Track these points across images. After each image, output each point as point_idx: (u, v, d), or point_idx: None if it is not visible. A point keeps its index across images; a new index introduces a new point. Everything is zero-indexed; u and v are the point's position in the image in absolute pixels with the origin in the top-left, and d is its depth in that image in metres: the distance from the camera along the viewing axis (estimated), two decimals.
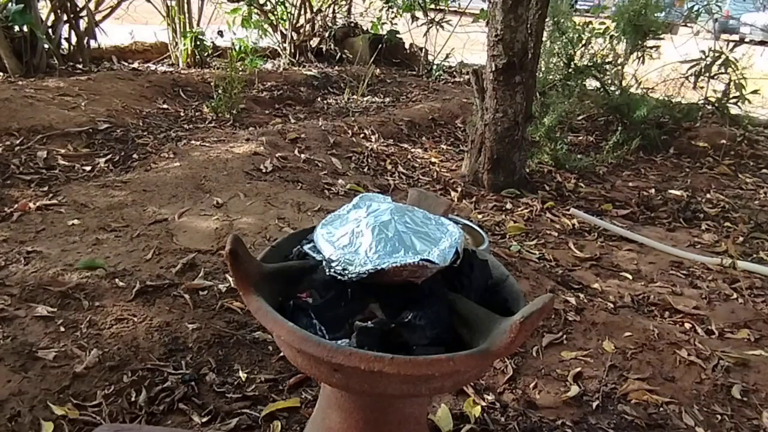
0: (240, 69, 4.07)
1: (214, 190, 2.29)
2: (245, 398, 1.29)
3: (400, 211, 0.76)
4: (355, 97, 4.35)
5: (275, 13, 5.19)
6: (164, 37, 4.75)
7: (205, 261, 1.79)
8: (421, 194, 0.94)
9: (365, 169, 2.88)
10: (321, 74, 4.76)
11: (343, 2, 5.89)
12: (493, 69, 2.63)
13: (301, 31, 5.39)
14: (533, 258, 2.13)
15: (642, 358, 1.57)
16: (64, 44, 4.21)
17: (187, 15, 4.53)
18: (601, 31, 3.81)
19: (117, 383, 1.28)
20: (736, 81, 3.92)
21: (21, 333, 1.39)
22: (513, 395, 1.39)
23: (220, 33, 4.93)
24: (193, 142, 2.82)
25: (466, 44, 5.64)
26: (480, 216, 2.50)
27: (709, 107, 4.10)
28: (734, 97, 3.96)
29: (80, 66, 4.13)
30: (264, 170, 2.55)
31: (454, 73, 5.55)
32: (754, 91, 3.88)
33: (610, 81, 3.92)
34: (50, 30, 3.99)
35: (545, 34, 3.04)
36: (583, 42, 3.64)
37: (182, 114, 3.47)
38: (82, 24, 4.23)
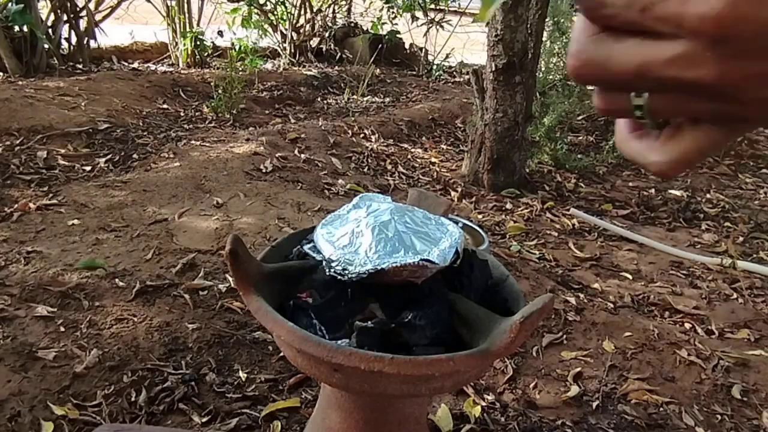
0: (240, 69, 4.07)
1: (214, 190, 2.29)
2: (245, 398, 1.29)
3: (400, 211, 0.76)
4: (355, 97, 4.36)
5: (275, 13, 5.19)
6: (164, 37, 4.76)
7: (205, 261, 1.79)
8: (421, 194, 0.94)
9: (365, 169, 2.88)
10: (321, 74, 4.76)
11: (343, 2, 5.89)
12: (493, 69, 2.63)
13: (301, 31, 5.39)
14: (533, 258, 2.13)
15: (642, 358, 1.57)
16: (64, 44, 4.21)
17: (187, 15, 4.53)
18: None
19: (117, 383, 1.28)
20: None
21: (21, 333, 1.39)
22: (513, 395, 1.39)
23: (220, 33, 4.93)
24: (193, 142, 2.82)
25: (466, 44, 5.64)
26: (480, 216, 2.50)
27: None
28: None
29: (80, 66, 4.13)
30: (264, 170, 2.55)
31: (454, 73, 5.56)
32: None
33: None
34: (50, 30, 3.99)
35: (545, 34, 3.04)
36: None
37: (182, 114, 3.47)
38: (82, 24, 4.23)
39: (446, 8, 5.65)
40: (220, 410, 1.25)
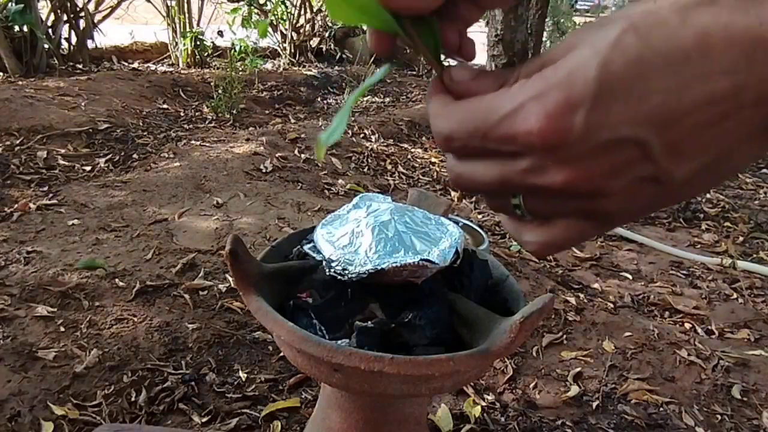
0: (240, 69, 4.08)
1: (214, 190, 2.29)
2: (245, 398, 1.29)
3: (400, 211, 0.76)
4: None
5: (275, 13, 5.19)
6: (164, 37, 4.76)
7: (205, 261, 1.79)
8: (421, 194, 0.94)
9: (365, 169, 2.88)
10: (321, 74, 4.76)
11: None
12: (493, 69, 2.63)
13: (301, 31, 5.39)
14: (533, 258, 2.13)
15: (642, 358, 1.57)
16: (64, 44, 4.21)
17: (187, 15, 4.53)
18: None
19: (117, 383, 1.28)
20: None
21: (21, 333, 1.39)
22: (513, 395, 1.39)
23: (220, 33, 4.93)
24: (193, 142, 2.82)
25: None
26: (480, 216, 2.50)
27: None
28: None
29: (80, 66, 4.13)
30: (264, 170, 2.55)
31: None
32: None
33: None
34: (50, 30, 3.99)
35: (545, 34, 3.04)
36: None
37: (182, 114, 3.47)
38: (82, 24, 4.23)
39: None
40: (220, 410, 1.25)
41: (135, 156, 2.67)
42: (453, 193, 2.71)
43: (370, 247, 0.70)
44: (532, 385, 1.43)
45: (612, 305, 1.85)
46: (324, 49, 5.53)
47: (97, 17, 4.39)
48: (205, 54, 4.68)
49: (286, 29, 5.26)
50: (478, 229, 1.88)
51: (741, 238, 2.55)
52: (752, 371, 1.56)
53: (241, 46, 4.58)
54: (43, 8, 4.02)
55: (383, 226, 0.73)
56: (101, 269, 1.66)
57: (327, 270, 0.71)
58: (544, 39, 2.96)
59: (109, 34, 4.56)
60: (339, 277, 0.70)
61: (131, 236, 1.90)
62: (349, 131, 3.26)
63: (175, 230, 1.97)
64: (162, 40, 4.86)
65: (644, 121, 0.26)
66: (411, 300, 0.72)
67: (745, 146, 0.27)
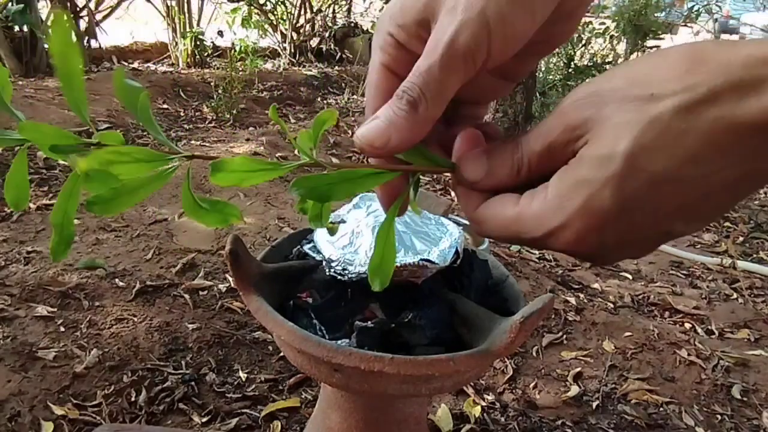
0: (240, 69, 4.08)
1: (214, 190, 2.29)
2: (245, 398, 1.29)
3: None
4: (355, 97, 4.36)
5: (275, 13, 5.19)
6: (164, 37, 4.76)
7: (205, 261, 1.79)
8: (421, 194, 0.94)
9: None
10: (321, 74, 4.76)
11: (343, 2, 5.89)
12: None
13: (301, 31, 5.39)
14: (533, 258, 2.13)
15: (642, 358, 1.57)
16: None
17: (187, 15, 4.53)
18: (601, 31, 3.81)
19: (117, 383, 1.28)
20: None
21: (21, 333, 1.39)
22: (513, 395, 1.39)
23: (220, 33, 4.93)
24: (193, 142, 2.82)
25: None
26: None
27: None
28: None
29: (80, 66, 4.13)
30: None
31: None
32: None
33: None
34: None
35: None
36: (583, 42, 3.64)
37: (182, 114, 3.47)
38: (82, 24, 4.23)
39: None
40: (220, 410, 1.25)
41: None
42: (453, 193, 2.71)
43: (370, 247, 0.70)
44: (532, 385, 1.43)
45: (612, 305, 1.85)
46: (324, 49, 5.53)
47: (98, 17, 4.39)
48: (205, 54, 4.68)
49: (286, 29, 5.26)
50: None
51: (741, 238, 2.55)
52: (752, 371, 1.56)
53: (241, 46, 4.58)
54: (43, 8, 4.01)
55: None
56: (101, 269, 1.67)
57: (327, 270, 0.71)
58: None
59: (109, 34, 4.56)
60: (339, 277, 0.70)
61: (131, 236, 1.90)
62: (349, 131, 3.26)
63: (175, 230, 1.97)
64: (162, 40, 4.86)
65: (664, 218, 0.29)
66: (411, 300, 0.72)
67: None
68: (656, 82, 0.27)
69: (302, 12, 5.36)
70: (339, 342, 0.66)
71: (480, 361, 0.62)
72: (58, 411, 1.18)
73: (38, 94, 3.08)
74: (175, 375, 1.33)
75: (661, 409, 1.39)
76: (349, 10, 6.01)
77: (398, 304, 0.72)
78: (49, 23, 0.30)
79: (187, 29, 4.53)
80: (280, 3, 5.15)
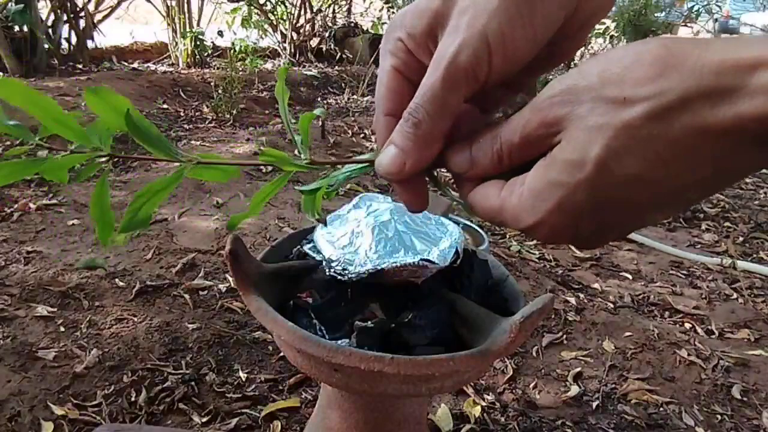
0: (240, 69, 4.08)
1: (214, 190, 2.30)
2: (245, 398, 1.29)
3: (400, 211, 0.76)
4: (355, 97, 4.36)
5: (275, 13, 5.19)
6: (164, 37, 4.76)
7: (205, 261, 1.80)
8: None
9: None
10: (321, 74, 4.76)
11: (343, 2, 5.89)
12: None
13: (301, 31, 5.39)
14: (533, 258, 2.13)
15: (642, 358, 1.57)
16: (64, 44, 4.21)
17: (187, 15, 4.53)
18: (601, 31, 3.81)
19: (117, 383, 1.28)
20: None
21: (21, 333, 1.39)
22: (513, 395, 1.39)
23: (220, 33, 4.93)
24: (193, 142, 2.82)
25: None
26: None
27: None
28: None
29: (80, 66, 4.13)
30: (264, 170, 2.55)
31: None
32: None
33: None
34: (50, 30, 3.99)
35: None
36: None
37: (182, 114, 3.48)
38: (82, 24, 4.23)
39: None
40: (220, 410, 1.25)
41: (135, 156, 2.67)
42: (453, 193, 2.71)
43: (370, 247, 0.70)
44: (532, 385, 1.43)
45: (612, 305, 1.85)
46: (324, 49, 5.53)
47: (97, 17, 4.39)
48: (205, 54, 4.68)
49: (286, 29, 5.26)
50: (478, 229, 1.88)
51: (741, 238, 2.56)
52: (752, 371, 1.56)
53: (241, 46, 4.58)
54: (43, 8, 4.01)
55: (383, 226, 0.73)
56: (101, 269, 1.67)
57: (327, 270, 0.71)
58: None
59: (109, 34, 4.56)
60: (339, 277, 0.70)
61: (131, 236, 1.90)
62: (349, 131, 3.26)
63: (175, 230, 1.97)
64: (162, 40, 4.87)
65: (636, 212, 0.30)
66: (411, 300, 0.72)
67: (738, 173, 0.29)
68: (629, 84, 0.27)
69: (302, 12, 5.36)
70: (339, 342, 0.66)
71: (480, 361, 0.62)
72: (58, 411, 1.18)
73: None
74: (175, 375, 1.33)
75: (661, 409, 1.39)
76: (349, 10, 6.01)
77: (398, 304, 0.72)
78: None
79: (187, 29, 4.53)
80: (280, 3, 5.15)
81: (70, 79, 3.54)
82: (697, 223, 2.73)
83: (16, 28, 3.67)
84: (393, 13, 5.49)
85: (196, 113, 3.52)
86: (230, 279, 1.68)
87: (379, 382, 0.63)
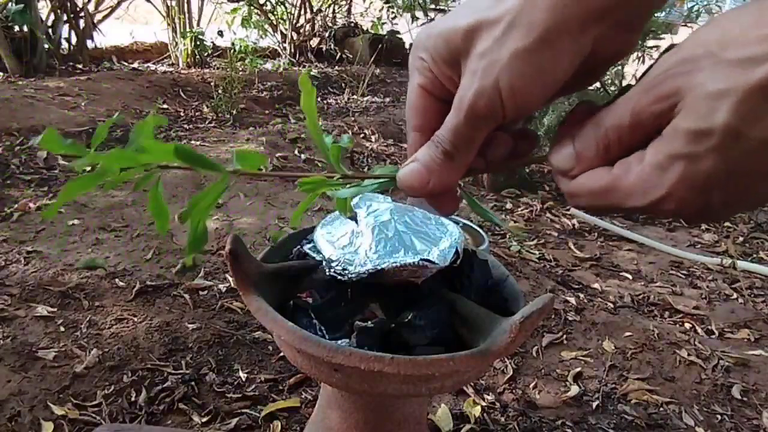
0: (240, 69, 4.08)
1: None
2: (245, 398, 1.29)
3: (400, 211, 0.76)
4: (355, 97, 4.36)
5: (275, 13, 5.19)
6: (164, 37, 4.76)
7: (205, 261, 1.80)
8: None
9: (365, 169, 2.88)
10: (321, 74, 4.76)
11: (343, 2, 5.89)
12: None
13: (301, 31, 5.39)
14: (533, 258, 2.13)
15: (642, 358, 1.57)
16: (64, 44, 4.21)
17: (187, 15, 4.53)
18: None
19: (117, 383, 1.28)
20: None
21: (21, 333, 1.39)
22: (513, 395, 1.39)
23: (220, 33, 4.93)
24: (193, 142, 2.82)
25: None
26: (480, 216, 2.50)
27: None
28: None
29: (80, 66, 4.13)
30: (264, 170, 2.55)
31: None
32: None
33: (609, 81, 3.92)
34: (50, 30, 3.99)
35: None
36: None
37: (182, 114, 3.47)
38: (82, 24, 4.23)
39: (446, 8, 5.65)
40: (220, 410, 1.25)
41: None
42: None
43: (370, 247, 0.70)
44: (532, 385, 1.43)
45: (612, 305, 1.85)
46: (324, 49, 5.53)
47: (97, 17, 4.39)
48: (205, 54, 4.68)
49: (286, 29, 5.26)
50: (478, 229, 1.88)
51: (741, 238, 2.56)
52: (752, 371, 1.56)
53: (241, 46, 4.58)
54: (43, 8, 4.01)
55: (383, 226, 0.73)
56: (101, 269, 1.67)
57: (327, 270, 0.71)
58: None
59: (109, 34, 4.56)
60: (339, 277, 0.70)
61: (131, 236, 1.90)
62: (349, 131, 3.26)
63: (175, 230, 1.97)
64: (162, 40, 4.86)
65: None
66: (411, 300, 0.72)
67: None
68: (752, 43, 0.26)
69: (302, 12, 5.36)
70: (339, 342, 0.66)
71: (480, 361, 0.62)
72: (58, 411, 1.18)
73: (38, 94, 3.08)
74: (175, 375, 1.33)
75: (661, 409, 1.39)
76: (349, 10, 6.01)
77: (398, 304, 0.72)
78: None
79: (187, 29, 4.53)
80: (280, 3, 5.15)
81: (70, 79, 3.54)
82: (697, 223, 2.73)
83: (16, 28, 3.67)
84: (393, 13, 5.49)
85: (196, 113, 3.52)
86: (230, 279, 1.68)
87: (379, 382, 0.63)
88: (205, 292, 1.64)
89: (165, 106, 3.54)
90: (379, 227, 0.72)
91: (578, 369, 1.50)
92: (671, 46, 0.30)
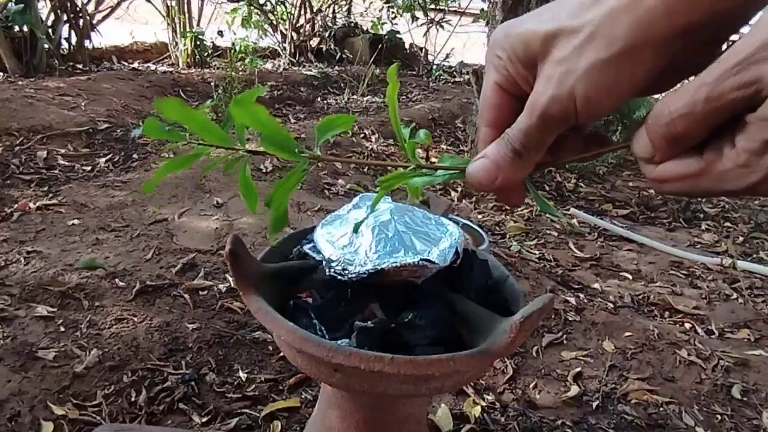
0: (240, 69, 4.08)
1: (214, 190, 2.30)
2: (245, 398, 1.29)
3: (400, 211, 0.76)
4: (355, 97, 4.36)
5: (275, 13, 5.19)
6: (164, 37, 4.76)
7: (205, 261, 1.79)
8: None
9: (365, 169, 2.88)
10: (321, 74, 4.76)
11: (343, 2, 5.89)
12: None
13: (301, 31, 5.39)
14: (533, 258, 2.13)
15: (642, 358, 1.57)
16: (64, 44, 4.21)
17: (187, 15, 4.53)
18: None
19: (117, 383, 1.28)
20: None
21: (21, 333, 1.39)
22: (513, 395, 1.39)
23: (220, 33, 4.93)
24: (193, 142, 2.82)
25: (466, 44, 5.65)
26: (480, 216, 2.50)
27: None
28: None
29: (80, 66, 4.13)
30: (264, 170, 2.55)
31: (454, 73, 5.56)
32: None
33: None
34: (50, 30, 3.99)
35: None
36: None
37: None
38: (82, 24, 4.23)
39: (446, 8, 5.65)
40: (220, 410, 1.25)
41: (135, 156, 2.67)
42: (453, 193, 2.71)
43: (370, 247, 0.70)
44: (532, 385, 1.43)
45: (612, 305, 1.85)
46: (324, 49, 5.53)
47: (97, 17, 4.39)
48: (205, 54, 4.68)
49: (286, 29, 5.25)
50: (478, 229, 1.88)
51: (741, 238, 2.56)
52: (752, 371, 1.56)
53: (241, 46, 4.58)
54: (43, 8, 4.01)
55: (383, 226, 0.73)
56: (101, 269, 1.66)
57: (327, 270, 0.71)
58: None
59: (109, 34, 4.56)
60: (339, 277, 0.70)
61: (131, 236, 1.90)
62: (349, 131, 3.26)
63: (175, 230, 1.97)
64: (162, 40, 4.86)
65: None
66: (411, 300, 0.72)
67: None
68: None
69: (302, 12, 5.36)
70: (339, 342, 0.66)
71: (480, 361, 0.62)
72: (58, 411, 1.18)
73: (38, 94, 3.08)
74: (175, 375, 1.33)
75: (661, 409, 1.39)
76: (349, 10, 6.01)
77: (398, 304, 0.72)
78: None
79: (187, 29, 4.53)
80: (280, 3, 5.14)
81: (70, 79, 3.54)
82: (697, 223, 2.73)
83: (16, 28, 3.67)
84: (393, 13, 5.49)
85: None
86: (230, 279, 1.68)
87: (379, 382, 0.63)
88: (205, 292, 1.64)
89: None
90: (379, 227, 0.72)
91: (578, 369, 1.50)
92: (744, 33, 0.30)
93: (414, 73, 5.52)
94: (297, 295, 0.77)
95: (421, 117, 3.78)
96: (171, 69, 4.42)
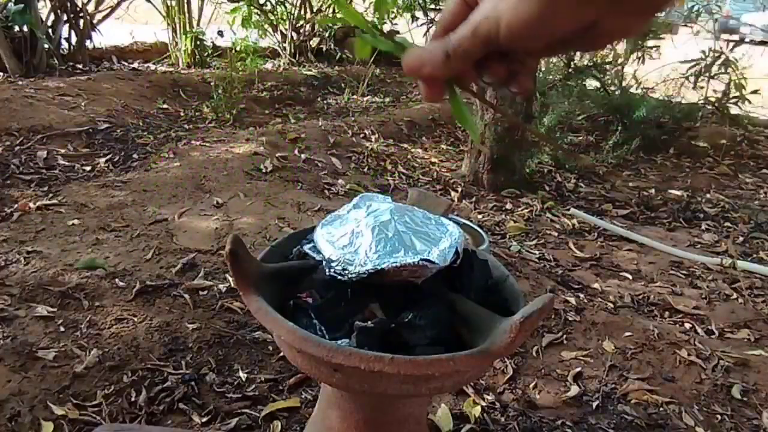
0: (240, 69, 4.07)
1: (214, 190, 2.30)
2: (245, 398, 1.29)
3: (400, 211, 0.77)
4: (355, 97, 4.36)
5: (275, 13, 5.19)
6: (164, 37, 4.75)
7: (205, 261, 1.79)
8: (421, 194, 0.94)
9: (365, 169, 2.88)
10: (321, 74, 4.76)
11: (344, 2, 5.88)
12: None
13: (301, 31, 5.39)
14: (533, 258, 2.13)
15: (642, 358, 1.57)
16: (64, 44, 4.21)
17: (187, 15, 4.53)
18: None
19: (117, 383, 1.28)
20: (736, 81, 3.92)
21: (21, 333, 1.39)
22: (513, 395, 1.39)
23: (220, 33, 4.93)
24: (193, 142, 2.82)
25: None
26: (480, 216, 2.50)
27: (709, 107, 4.10)
28: (734, 97, 3.96)
29: (80, 66, 4.13)
30: (264, 170, 2.55)
31: None
32: (754, 91, 3.89)
33: (610, 81, 3.92)
34: (50, 30, 3.99)
35: None
36: None
37: (182, 114, 3.47)
38: (82, 24, 4.23)
39: None
40: (220, 410, 1.25)
41: (135, 156, 2.67)
42: (453, 193, 2.71)
43: (370, 247, 0.70)
44: (532, 385, 1.43)
45: (612, 305, 1.85)
46: (324, 49, 5.53)
47: (97, 17, 4.39)
48: (205, 54, 4.67)
49: (286, 29, 5.25)
50: (478, 229, 1.88)
51: (741, 238, 2.56)
52: (752, 371, 1.56)
53: (241, 46, 4.57)
54: (43, 8, 4.01)
55: (383, 226, 0.73)
56: (101, 269, 1.66)
57: (327, 270, 0.71)
58: None
59: (109, 34, 4.56)
60: (339, 277, 0.70)
61: (131, 236, 1.90)
62: (349, 131, 3.26)
63: (175, 230, 1.97)
64: (162, 40, 4.86)
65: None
66: (411, 300, 0.72)
67: None
68: None
69: (302, 12, 5.36)
70: (339, 342, 0.66)
71: (480, 361, 0.62)
72: (58, 411, 1.18)
73: (38, 94, 3.08)
74: (175, 375, 1.33)
75: (661, 409, 1.39)
76: None
77: (398, 304, 0.72)
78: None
79: (187, 29, 4.53)
80: (280, 3, 5.14)
81: (70, 79, 3.54)
82: (697, 223, 2.73)
83: (16, 28, 3.67)
84: (393, 13, 5.48)
85: (196, 113, 3.52)
86: (230, 279, 1.68)
87: (379, 382, 0.63)
88: (205, 292, 1.64)
89: (165, 106, 3.54)
90: (379, 227, 0.72)
91: (578, 369, 1.50)
92: None
93: None
94: (297, 295, 0.77)
95: (421, 117, 3.78)
96: (171, 69, 4.42)
